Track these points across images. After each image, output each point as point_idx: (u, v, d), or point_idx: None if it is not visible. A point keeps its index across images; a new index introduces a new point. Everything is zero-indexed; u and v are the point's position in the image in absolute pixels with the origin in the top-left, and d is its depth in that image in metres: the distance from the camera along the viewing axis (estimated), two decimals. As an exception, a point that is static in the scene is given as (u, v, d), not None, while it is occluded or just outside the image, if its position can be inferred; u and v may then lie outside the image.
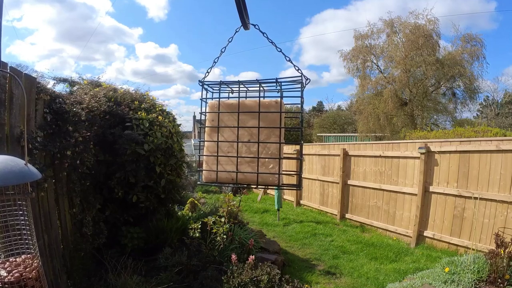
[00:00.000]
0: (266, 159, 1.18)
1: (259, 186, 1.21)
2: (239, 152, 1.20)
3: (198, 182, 1.40)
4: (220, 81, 1.29)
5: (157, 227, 3.86)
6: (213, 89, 1.32)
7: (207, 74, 1.30)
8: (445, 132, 10.27)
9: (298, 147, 1.28)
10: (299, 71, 1.20)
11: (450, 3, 27.54)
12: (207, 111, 1.29)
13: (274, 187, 1.24)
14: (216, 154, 1.23)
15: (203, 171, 1.25)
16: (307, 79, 1.20)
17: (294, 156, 6.09)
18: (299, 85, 1.22)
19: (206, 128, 1.27)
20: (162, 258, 3.36)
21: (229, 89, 1.31)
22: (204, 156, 1.26)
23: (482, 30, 29.91)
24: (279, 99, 1.22)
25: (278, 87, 1.26)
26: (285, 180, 1.27)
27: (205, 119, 1.29)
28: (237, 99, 1.26)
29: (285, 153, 1.24)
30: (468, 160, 4.34)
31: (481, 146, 4.22)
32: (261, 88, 1.25)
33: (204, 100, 1.30)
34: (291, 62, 1.24)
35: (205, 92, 1.30)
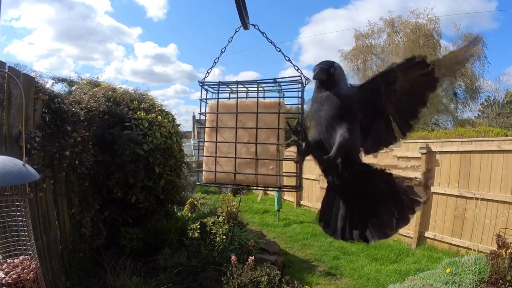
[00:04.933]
0: (266, 160, 1.16)
1: (258, 187, 1.20)
2: (239, 152, 1.19)
3: (197, 183, 1.39)
4: (219, 81, 1.27)
5: (156, 227, 3.84)
6: (213, 90, 1.30)
7: (207, 74, 1.28)
8: (446, 132, 10.25)
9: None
10: (299, 70, 1.19)
11: (451, 2, 27.45)
12: (207, 111, 1.27)
13: (274, 189, 1.23)
14: (215, 155, 1.22)
15: (203, 172, 1.24)
16: (306, 78, 1.18)
17: (295, 157, 6.03)
18: (299, 85, 1.20)
19: (205, 128, 1.26)
20: (161, 259, 3.34)
21: (229, 89, 1.29)
22: (204, 157, 1.24)
23: (483, 29, 29.76)
24: (278, 99, 1.20)
25: (278, 87, 1.24)
26: (286, 181, 1.26)
27: (205, 120, 1.28)
28: (236, 99, 1.24)
29: (286, 154, 1.23)
30: (470, 161, 4.32)
31: (483, 146, 4.20)
32: (261, 89, 1.24)
33: (204, 100, 1.28)
34: (291, 62, 1.23)
35: (205, 92, 1.29)
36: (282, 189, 1.23)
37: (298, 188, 1.22)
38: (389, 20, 16.44)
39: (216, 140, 1.22)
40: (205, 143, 1.25)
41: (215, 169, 1.21)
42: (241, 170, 1.18)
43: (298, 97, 1.20)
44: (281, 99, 1.20)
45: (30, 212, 2.35)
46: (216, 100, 1.27)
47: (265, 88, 1.24)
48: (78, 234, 2.97)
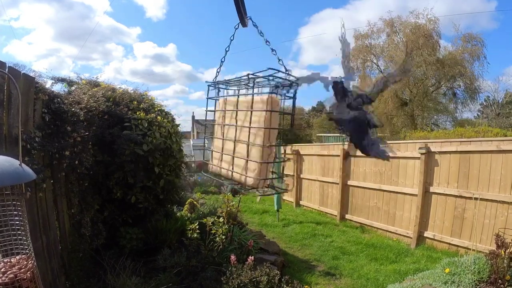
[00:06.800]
0: (253, 161, 1.12)
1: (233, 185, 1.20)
2: (233, 150, 1.20)
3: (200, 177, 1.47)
4: (217, 81, 1.30)
5: (156, 227, 3.84)
6: (217, 87, 1.32)
7: (217, 73, 1.33)
8: (446, 132, 10.28)
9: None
10: (280, 62, 1.17)
11: (451, 2, 27.52)
12: (216, 108, 1.30)
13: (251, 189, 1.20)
14: (218, 151, 1.24)
15: (209, 164, 1.29)
16: (286, 70, 1.15)
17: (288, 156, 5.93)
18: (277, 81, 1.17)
19: (215, 125, 1.31)
20: (161, 259, 3.35)
21: (235, 87, 1.31)
22: (210, 151, 1.29)
23: (483, 30, 29.78)
24: (265, 96, 1.16)
25: (272, 83, 1.22)
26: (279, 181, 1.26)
27: (214, 117, 1.32)
28: (241, 96, 1.24)
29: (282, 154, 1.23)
30: (469, 161, 4.33)
31: (482, 146, 4.21)
32: (256, 84, 1.23)
33: (214, 99, 1.31)
34: (281, 62, 1.21)
35: (215, 91, 1.32)
36: (264, 193, 1.22)
37: (282, 191, 1.20)
38: (389, 20, 16.47)
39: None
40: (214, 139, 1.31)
41: (212, 162, 1.23)
42: (236, 168, 1.19)
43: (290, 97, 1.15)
44: (272, 95, 1.15)
45: (30, 212, 2.35)
46: (223, 97, 1.29)
47: (258, 85, 1.22)
48: (78, 234, 2.97)
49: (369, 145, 1.13)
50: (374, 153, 1.15)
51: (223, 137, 1.21)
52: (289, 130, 1.19)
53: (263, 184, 1.13)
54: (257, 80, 1.20)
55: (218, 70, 1.32)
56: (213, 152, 1.27)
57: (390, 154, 1.10)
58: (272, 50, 1.22)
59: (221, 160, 1.24)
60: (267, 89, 1.22)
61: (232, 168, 1.16)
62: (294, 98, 1.15)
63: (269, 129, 1.09)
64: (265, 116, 1.08)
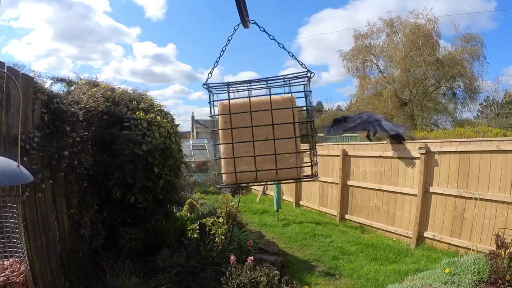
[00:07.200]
0: (287, 155, 1.19)
1: (280, 181, 1.27)
2: (258, 150, 1.19)
3: (217, 186, 1.48)
4: (228, 82, 1.26)
5: (155, 228, 3.84)
6: (216, 90, 1.29)
7: (209, 75, 1.27)
8: (446, 132, 10.29)
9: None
10: (303, 65, 1.20)
11: (450, 2, 27.57)
12: (219, 112, 1.25)
13: (289, 181, 1.29)
14: (234, 156, 1.21)
15: (223, 174, 1.24)
16: (311, 72, 1.20)
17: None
18: (303, 80, 1.23)
19: (220, 130, 1.24)
20: (160, 259, 3.34)
21: (234, 89, 1.29)
22: (223, 159, 1.24)
23: (483, 30, 29.80)
24: (290, 95, 1.23)
25: (284, 83, 1.26)
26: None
27: (217, 121, 1.27)
28: (248, 98, 1.24)
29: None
30: (469, 161, 4.32)
31: (482, 146, 4.20)
32: (267, 86, 1.25)
33: (211, 102, 1.27)
34: (294, 57, 1.25)
35: (212, 94, 1.28)
36: (302, 180, 1.29)
37: (315, 176, 1.28)
38: (388, 20, 16.48)
39: (233, 140, 1.20)
40: (221, 145, 1.24)
41: (235, 170, 1.21)
42: (263, 167, 1.19)
43: (303, 90, 1.24)
44: (293, 95, 1.23)
45: (29, 213, 2.35)
46: (228, 100, 1.25)
47: (271, 86, 1.25)
48: (77, 235, 2.97)
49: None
50: (394, 131, 1.31)
51: (253, 138, 1.21)
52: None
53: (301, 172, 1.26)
54: (270, 82, 1.24)
55: (211, 71, 1.28)
56: (229, 159, 1.24)
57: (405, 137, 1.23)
58: (294, 56, 1.26)
59: (241, 165, 1.23)
60: (274, 90, 1.27)
61: (277, 166, 1.22)
62: (307, 91, 1.25)
63: (297, 123, 1.22)
64: (292, 112, 1.21)
